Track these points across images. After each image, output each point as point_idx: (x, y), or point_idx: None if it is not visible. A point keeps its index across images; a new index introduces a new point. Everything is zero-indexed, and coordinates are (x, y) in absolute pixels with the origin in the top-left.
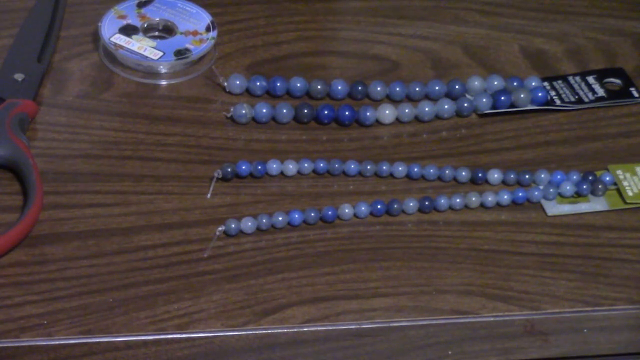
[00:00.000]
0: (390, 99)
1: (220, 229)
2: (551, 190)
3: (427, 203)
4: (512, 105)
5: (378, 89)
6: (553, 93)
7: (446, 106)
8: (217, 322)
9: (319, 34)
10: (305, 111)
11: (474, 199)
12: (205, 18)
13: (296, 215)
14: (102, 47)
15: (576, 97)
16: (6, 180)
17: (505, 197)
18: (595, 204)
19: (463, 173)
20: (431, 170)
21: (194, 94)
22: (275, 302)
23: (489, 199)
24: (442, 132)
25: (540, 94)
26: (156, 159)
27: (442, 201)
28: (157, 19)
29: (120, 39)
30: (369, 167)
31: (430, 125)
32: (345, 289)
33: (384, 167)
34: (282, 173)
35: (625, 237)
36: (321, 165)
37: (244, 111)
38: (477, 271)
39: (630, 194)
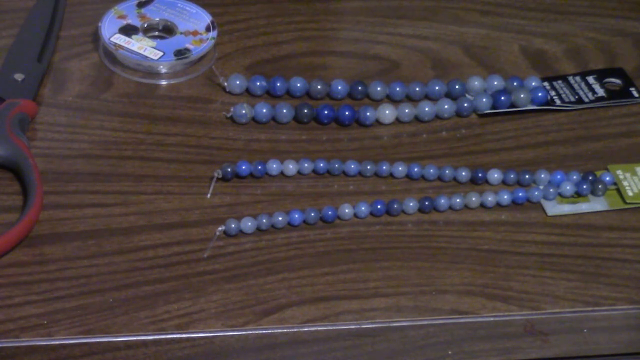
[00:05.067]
0: (390, 99)
1: (220, 229)
2: (551, 190)
3: (427, 203)
4: (512, 105)
5: (378, 89)
6: (553, 93)
7: (446, 106)
8: (217, 322)
9: (319, 34)
10: (305, 111)
11: (474, 199)
12: (205, 18)
13: (296, 215)
14: (102, 47)
15: (576, 97)
16: (6, 180)
17: (505, 197)
18: (595, 204)
19: (463, 173)
20: (431, 170)
21: (194, 94)
22: (275, 302)
23: (489, 199)
24: (442, 132)
25: (540, 94)
26: (156, 159)
27: (442, 201)
28: (157, 19)
29: (120, 39)
30: (369, 167)
31: (430, 125)
32: (345, 289)
33: (384, 167)
34: (282, 173)
35: (625, 237)
36: (321, 165)
37: (244, 111)
38: (477, 271)
39: (630, 194)
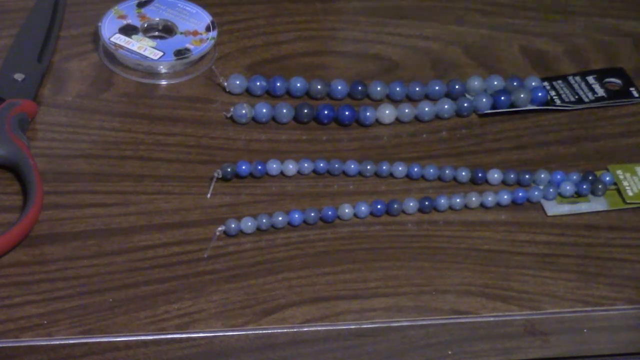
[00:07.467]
0: (390, 99)
1: (220, 229)
2: (551, 190)
3: (427, 203)
4: (512, 105)
5: (378, 89)
6: (553, 93)
7: (446, 106)
8: (217, 322)
9: (319, 34)
10: (305, 111)
11: (474, 199)
12: (205, 18)
13: (296, 215)
14: (102, 47)
15: (576, 97)
16: (6, 180)
17: (505, 197)
18: (595, 204)
19: (463, 173)
20: (431, 170)
21: (194, 94)
22: (275, 302)
23: (489, 199)
24: (442, 132)
25: (540, 94)
26: (156, 159)
27: (442, 201)
28: (157, 19)
29: (120, 39)
30: (369, 167)
31: (430, 125)
32: (345, 289)
33: (384, 167)
34: (282, 173)
35: (625, 237)
36: (321, 165)
37: (244, 111)
38: (477, 271)
39: (630, 194)
